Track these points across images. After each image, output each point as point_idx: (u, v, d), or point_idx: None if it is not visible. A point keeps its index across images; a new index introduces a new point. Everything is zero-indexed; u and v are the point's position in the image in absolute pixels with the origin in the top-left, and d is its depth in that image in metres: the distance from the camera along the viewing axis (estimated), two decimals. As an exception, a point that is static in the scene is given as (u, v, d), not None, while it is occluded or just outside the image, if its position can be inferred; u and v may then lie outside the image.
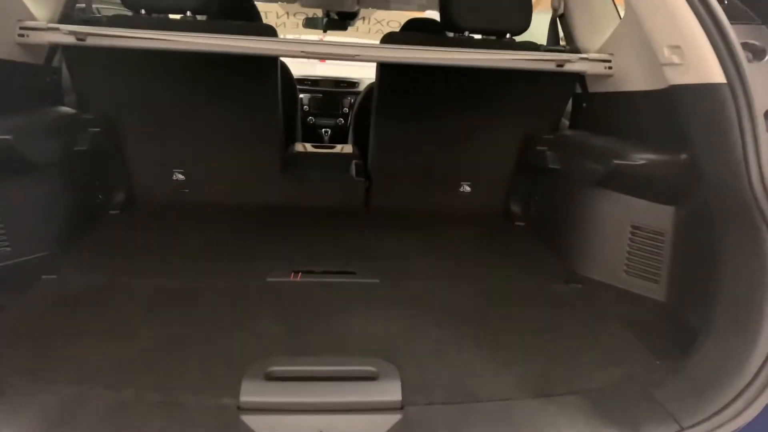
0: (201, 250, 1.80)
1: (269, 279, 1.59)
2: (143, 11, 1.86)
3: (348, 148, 2.72)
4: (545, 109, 2.14)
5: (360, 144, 2.69)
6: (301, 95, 4.00)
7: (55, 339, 1.24)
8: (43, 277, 1.51)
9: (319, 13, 3.79)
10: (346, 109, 4.16)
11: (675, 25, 1.30)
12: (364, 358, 1.18)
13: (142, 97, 2.02)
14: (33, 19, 1.70)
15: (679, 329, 1.39)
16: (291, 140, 2.83)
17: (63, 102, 1.92)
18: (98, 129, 1.89)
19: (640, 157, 1.54)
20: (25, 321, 1.32)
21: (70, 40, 1.66)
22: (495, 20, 1.98)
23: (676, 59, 1.33)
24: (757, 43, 1.24)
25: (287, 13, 4.06)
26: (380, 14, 4.15)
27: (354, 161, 2.41)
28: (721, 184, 1.22)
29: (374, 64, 5.27)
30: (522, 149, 2.20)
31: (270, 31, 1.92)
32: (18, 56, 1.67)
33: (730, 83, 1.17)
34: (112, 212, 2.03)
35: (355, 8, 3.74)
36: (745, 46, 1.23)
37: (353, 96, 4.15)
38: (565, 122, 2.21)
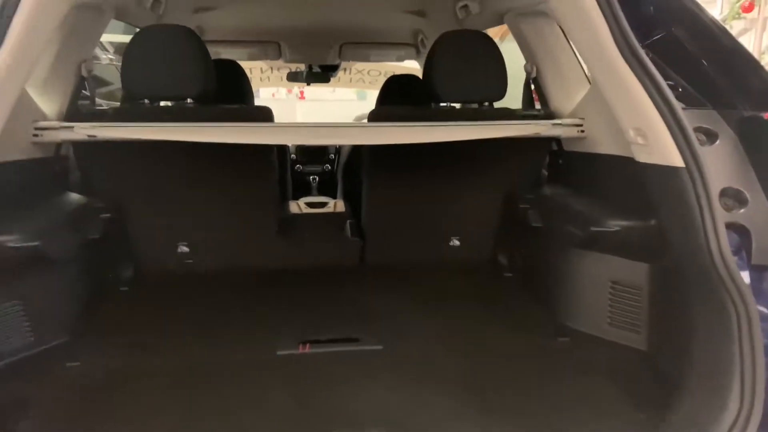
0: (210, 323, 1.90)
1: (279, 352, 1.70)
2: (146, 101, 2.00)
3: (340, 205, 2.85)
4: (525, 166, 2.29)
5: (350, 199, 2.83)
6: (288, 144, 4.13)
7: (80, 428, 1.34)
8: (67, 364, 1.61)
9: (302, 66, 3.95)
10: (332, 155, 4.29)
11: (636, 110, 1.46)
12: (372, 430, 1.29)
13: (145, 178, 2.13)
14: (44, 117, 1.82)
15: (660, 379, 1.53)
16: (284, 196, 2.94)
17: (69, 186, 2.02)
18: (108, 215, 2.01)
19: (614, 224, 1.69)
20: (53, 409, 1.42)
21: (82, 137, 1.78)
22: (475, 91, 2.14)
23: (640, 140, 1.49)
24: (709, 127, 1.40)
25: (270, 69, 4.23)
26: (360, 65, 4.32)
27: (348, 221, 2.54)
28: (686, 253, 1.37)
29: (355, 106, 5.37)
30: (505, 205, 2.34)
31: (266, 114, 2.06)
32: (32, 154, 1.78)
33: (687, 167, 1.32)
34: (122, 288, 2.13)
35: (337, 61, 3.94)
36: (698, 129, 1.40)
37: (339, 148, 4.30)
38: (545, 173, 2.37)
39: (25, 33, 1.37)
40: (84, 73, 2.05)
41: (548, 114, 2.17)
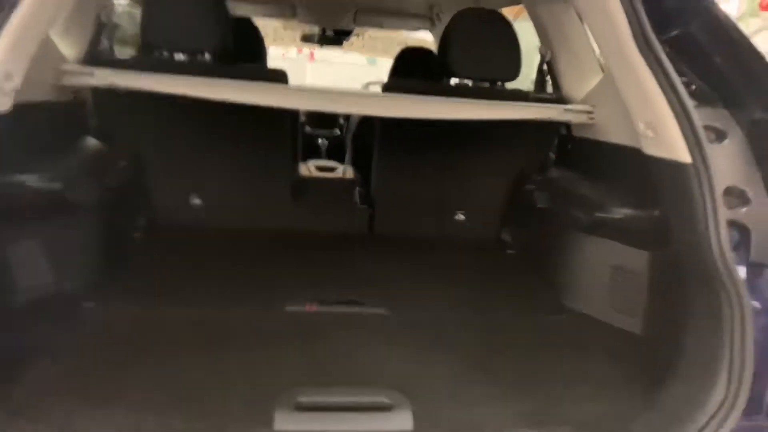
0: (220, 276, 1.97)
1: (288, 308, 1.77)
2: (164, 52, 2.02)
3: (349, 172, 2.89)
4: (534, 148, 2.34)
5: (360, 167, 2.87)
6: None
7: (107, 370, 1.40)
8: (84, 305, 1.67)
9: (316, 29, 3.94)
10: (342, 121, 4.31)
11: (647, 104, 1.50)
12: (379, 389, 1.36)
13: (162, 130, 2.17)
14: (65, 61, 1.84)
15: (652, 362, 1.60)
16: (294, 158, 2.98)
17: (89, 132, 2.05)
18: (125, 163, 2.04)
19: (618, 211, 1.75)
20: (77, 350, 1.48)
21: (102, 82, 1.80)
22: (489, 70, 2.17)
23: (650, 133, 1.54)
24: (719, 126, 1.45)
25: (284, 28, 4.22)
26: (374, 32, 4.31)
27: (357, 188, 2.59)
28: (687, 246, 1.43)
29: (365, 71, 5.35)
30: (513, 184, 2.40)
31: (281, 77, 2.09)
32: (53, 97, 1.80)
33: (694, 164, 1.37)
34: (135, 235, 2.18)
35: (351, 26, 3.93)
36: (708, 128, 1.44)
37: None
38: (553, 156, 2.41)
39: None
40: (104, 19, 2.06)
41: (559, 98, 2.21)
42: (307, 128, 4.11)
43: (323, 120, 4.18)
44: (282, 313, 1.76)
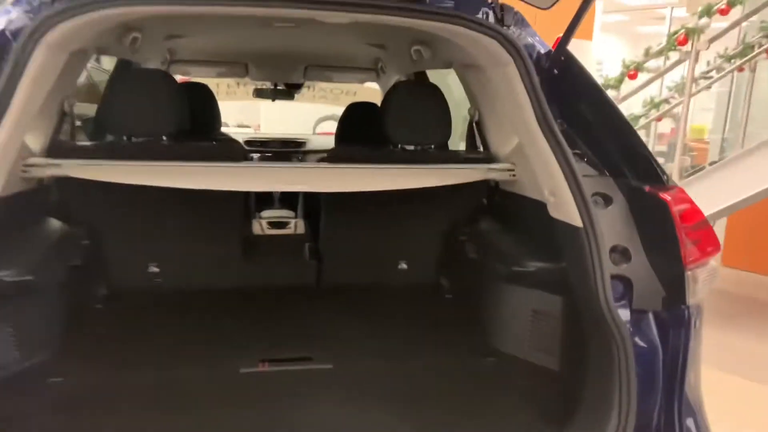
0: (179, 340, 2.13)
1: (241, 370, 1.95)
2: (124, 138, 2.21)
3: (300, 226, 3.09)
4: (465, 201, 2.58)
5: (310, 220, 3.07)
6: (252, 155, 4.32)
7: None
8: (50, 380, 1.82)
9: (268, 84, 4.16)
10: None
11: (549, 174, 1.76)
12: None
13: (120, 205, 2.34)
14: (31, 153, 2.00)
15: (565, 395, 1.83)
16: (248, 213, 3.15)
17: (50, 213, 2.20)
18: (87, 241, 2.21)
19: (533, 264, 1.99)
20: (45, 422, 1.63)
21: (68, 173, 1.97)
22: (421, 137, 2.42)
23: (552, 199, 1.79)
24: (606, 192, 1.71)
25: (237, 84, 4.42)
26: (324, 84, 4.55)
27: (306, 244, 2.79)
28: (583, 295, 1.68)
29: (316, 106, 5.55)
30: (447, 234, 2.63)
31: (234, 149, 2.29)
32: (20, 188, 1.96)
33: (585, 228, 1.62)
34: (97, 306, 2.33)
35: (301, 81, 4.16)
36: (597, 194, 1.70)
37: (301, 155, 4.51)
38: (485, 202, 2.65)
39: (30, 88, 1.57)
40: (66, 108, 2.23)
41: (486, 157, 2.45)
42: None
43: (276, 159, 4.34)
44: (237, 373, 1.93)
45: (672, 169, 5.81)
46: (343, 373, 1.96)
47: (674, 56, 5.39)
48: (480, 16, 1.85)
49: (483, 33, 1.72)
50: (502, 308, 2.17)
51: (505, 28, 1.82)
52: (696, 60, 5.18)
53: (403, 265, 2.72)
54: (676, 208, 1.56)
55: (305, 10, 1.66)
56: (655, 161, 1.66)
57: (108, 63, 4.63)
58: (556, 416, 1.71)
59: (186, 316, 2.32)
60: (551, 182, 1.77)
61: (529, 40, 1.91)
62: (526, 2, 1.87)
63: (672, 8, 10.36)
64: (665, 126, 6.83)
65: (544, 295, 2.02)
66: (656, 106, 5.94)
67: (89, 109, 3.82)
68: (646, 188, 1.63)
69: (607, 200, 1.70)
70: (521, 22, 1.94)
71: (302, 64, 3.82)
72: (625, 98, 5.89)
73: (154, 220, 2.42)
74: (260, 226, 3.04)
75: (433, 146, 2.47)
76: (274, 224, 3.08)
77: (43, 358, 1.89)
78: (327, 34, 2.75)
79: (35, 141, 2.06)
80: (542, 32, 2.04)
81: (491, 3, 1.89)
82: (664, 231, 1.58)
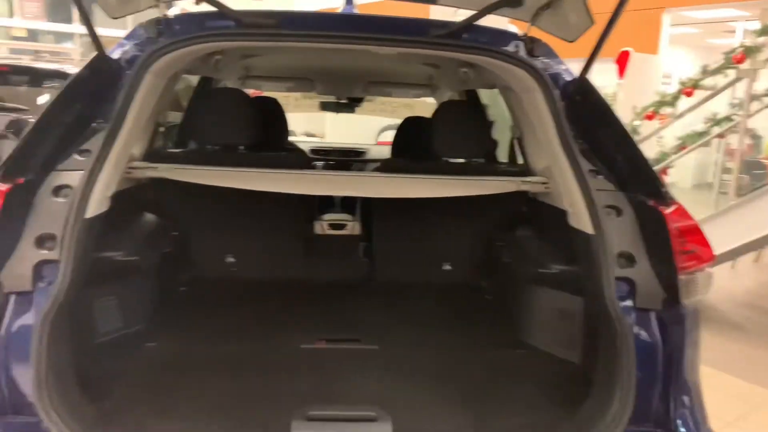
0: (250, 320, 2.50)
1: (301, 345, 2.29)
2: (207, 146, 2.62)
3: (357, 228, 3.42)
4: (503, 209, 2.84)
5: (365, 222, 3.40)
6: (316, 163, 4.70)
7: (165, 391, 1.95)
8: (146, 344, 2.22)
9: (332, 98, 4.54)
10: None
11: (568, 188, 2.01)
12: (368, 406, 1.86)
13: (204, 204, 2.74)
14: (133, 157, 2.42)
15: (582, 384, 2.06)
16: (311, 215, 3.51)
17: (148, 208, 2.63)
18: (176, 233, 2.62)
19: (556, 267, 2.24)
20: (143, 377, 2.02)
21: (162, 175, 2.38)
22: (465, 151, 2.70)
23: (570, 210, 2.04)
24: (618, 205, 1.94)
25: (304, 97, 4.83)
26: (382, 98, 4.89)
27: (361, 243, 3.13)
28: (594, 294, 1.91)
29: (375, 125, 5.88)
30: (487, 240, 2.90)
31: (299, 159, 2.64)
32: (125, 186, 2.38)
33: (596, 235, 1.86)
34: (182, 289, 2.74)
35: (362, 95, 4.51)
36: (610, 206, 1.94)
37: (360, 164, 4.87)
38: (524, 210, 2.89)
39: (140, 107, 1.97)
40: (160, 120, 2.66)
41: (523, 170, 2.70)
42: None
43: (338, 167, 4.70)
44: (298, 348, 2.28)
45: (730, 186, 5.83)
46: (387, 354, 2.27)
47: (732, 73, 5.42)
48: (511, 48, 2.13)
49: (512, 64, 1.99)
50: (530, 307, 2.42)
51: (533, 59, 2.09)
52: (755, 78, 5.19)
53: (447, 267, 3.00)
54: (673, 222, 1.78)
55: (359, 45, 1.99)
56: (659, 179, 1.88)
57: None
58: (573, 399, 1.95)
59: (256, 301, 2.70)
60: (570, 195, 2.02)
61: (556, 69, 2.17)
62: (554, 35, 2.13)
63: (742, 21, 10.16)
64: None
65: (567, 296, 2.26)
66: (718, 123, 5.96)
67: (171, 116, 4.33)
68: (650, 202, 1.85)
69: (619, 212, 1.93)
70: (550, 53, 2.20)
71: (363, 81, 4.16)
72: (681, 116, 5.94)
73: (232, 218, 2.82)
74: (321, 226, 3.40)
75: (476, 159, 2.75)
76: (333, 225, 3.43)
77: (140, 327, 2.30)
78: (384, 57, 3.08)
79: (137, 148, 2.49)
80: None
81: (522, 37, 2.16)
82: (662, 240, 1.80)
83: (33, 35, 17.70)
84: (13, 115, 5.30)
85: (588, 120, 2.07)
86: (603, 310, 1.83)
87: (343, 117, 5.68)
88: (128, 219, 2.38)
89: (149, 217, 2.56)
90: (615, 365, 1.79)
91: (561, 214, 2.26)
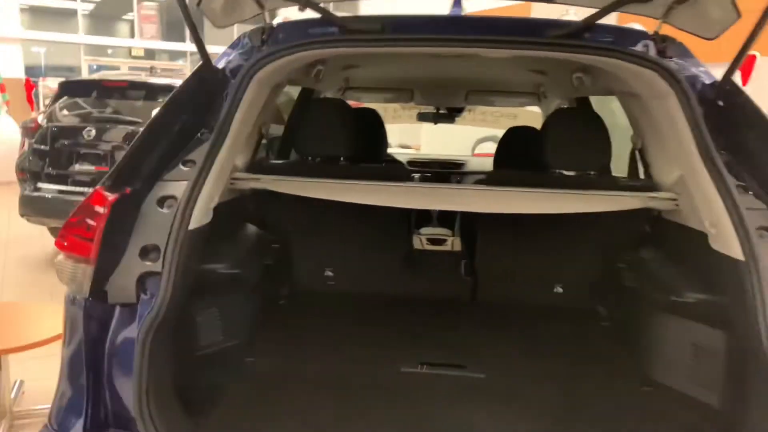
0: (347, 337, 2.41)
1: (402, 370, 2.16)
2: (309, 158, 2.57)
3: (457, 244, 3.26)
4: (625, 227, 2.57)
5: (466, 238, 3.23)
6: (413, 174, 4.58)
7: (265, 408, 1.89)
8: (246, 359, 2.17)
9: (431, 108, 4.42)
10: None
11: (709, 205, 1.75)
12: None
13: (304, 217, 2.69)
14: (236, 168, 2.40)
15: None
16: (409, 230, 3.39)
17: (250, 220, 2.61)
18: (277, 245, 2.58)
19: (692, 296, 1.96)
20: (244, 393, 1.97)
21: (265, 186, 2.34)
22: (582, 163, 2.46)
23: (713, 231, 1.78)
24: (771, 225, 1.66)
25: (403, 108, 4.75)
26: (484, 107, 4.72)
27: (463, 261, 2.96)
28: (744, 332, 1.64)
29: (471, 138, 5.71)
30: (606, 261, 2.64)
31: (397, 171, 2.53)
32: (228, 197, 2.36)
33: (747, 261, 1.60)
34: (281, 302, 2.70)
35: (462, 105, 4.36)
36: (762, 228, 1.66)
37: (459, 176, 4.71)
38: (648, 229, 2.60)
39: (243, 117, 1.93)
40: (263, 131, 2.64)
41: (648, 185, 2.43)
42: None
43: (436, 179, 4.56)
44: (398, 372, 2.15)
45: None
46: (494, 384, 2.09)
47: None
48: (640, 48, 1.90)
49: (642, 66, 1.77)
50: (660, 339, 2.15)
51: (666, 59, 1.85)
52: None
53: (559, 289, 2.77)
54: None
55: (471, 48, 1.84)
56: None
57: (288, 87, 5.26)
58: None
59: (354, 317, 2.61)
60: (712, 214, 1.76)
61: (693, 71, 1.91)
62: (689, 33, 1.88)
63: None
64: None
65: (705, 329, 1.97)
66: None
67: (274, 129, 4.38)
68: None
69: None
70: (685, 53, 1.95)
71: (464, 90, 4.01)
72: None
73: (331, 231, 2.76)
74: (420, 241, 3.27)
75: (592, 172, 2.52)
76: (432, 240, 3.29)
77: (240, 341, 2.26)
78: (489, 63, 2.92)
79: (240, 159, 2.47)
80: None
81: (652, 35, 1.93)
82: None
83: (150, 54, 19.11)
84: (130, 128, 5.60)
85: (733, 128, 1.80)
86: (757, 349, 1.56)
87: (439, 128, 5.56)
88: (231, 231, 2.37)
89: (251, 229, 2.54)
90: None
91: (697, 236, 1.99)
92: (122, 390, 1.65)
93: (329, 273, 2.82)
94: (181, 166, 1.83)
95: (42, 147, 5.89)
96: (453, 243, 3.29)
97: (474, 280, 2.84)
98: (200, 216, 1.77)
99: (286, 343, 2.34)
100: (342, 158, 2.59)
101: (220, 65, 2.06)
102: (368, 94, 4.10)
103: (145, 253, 1.69)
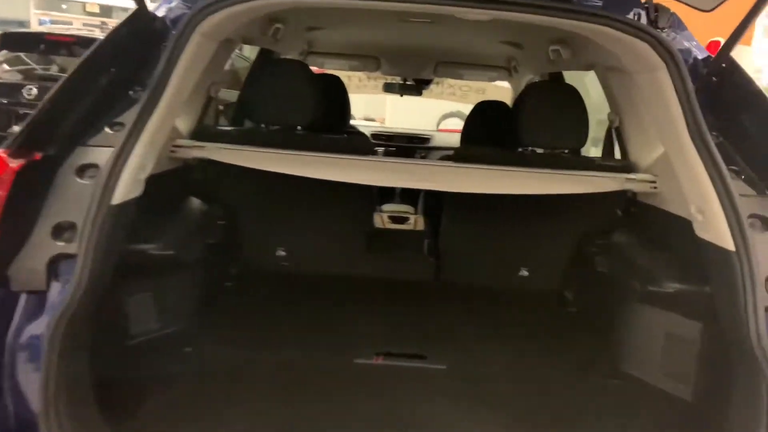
0: (299, 323, 2.20)
1: (356, 361, 1.97)
2: (263, 125, 2.32)
3: (420, 222, 3.08)
4: (598, 210, 2.42)
5: (430, 216, 3.05)
6: (377, 148, 4.36)
7: (203, 405, 1.69)
8: (184, 349, 1.95)
9: (398, 79, 4.19)
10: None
11: (697, 189, 1.60)
12: None
13: (254, 190, 2.45)
14: (179, 134, 2.15)
15: (699, 428, 1.67)
16: (370, 206, 3.18)
17: (194, 193, 2.36)
18: (223, 222, 2.34)
19: (672, 285, 1.83)
20: (180, 387, 1.76)
21: (211, 156, 2.10)
22: (557, 141, 2.30)
23: (699, 217, 1.63)
24: (765, 215, 1.52)
25: (368, 78, 4.50)
26: (452, 80, 4.51)
27: (426, 240, 2.78)
28: (729, 324, 1.51)
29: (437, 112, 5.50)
30: (576, 244, 2.49)
31: (362, 143, 2.31)
32: (168, 166, 2.11)
33: (737, 251, 1.46)
34: (227, 284, 2.47)
35: (431, 77, 4.15)
36: (755, 216, 1.52)
37: (425, 151, 4.51)
38: (619, 213, 2.47)
39: (184, 73, 1.68)
40: (212, 94, 2.38)
41: (625, 166, 2.28)
42: None
43: (400, 154, 4.35)
44: (351, 363, 1.96)
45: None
46: (456, 376, 1.93)
47: None
48: (631, 17, 1.72)
49: (633, 35, 1.60)
50: (632, 328, 2.03)
51: (658, 30, 1.68)
52: None
53: (525, 272, 2.62)
54: None
55: (446, 6, 1.63)
56: None
57: (249, 51, 4.93)
58: None
59: (308, 301, 2.40)
60: (700, 199, 1.61)
61: (686, 44, 1.76)
62: (685, 3, 1.71)
63: None
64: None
65: (681, 319, 1.86)
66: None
67: (231, 96, 4.08)
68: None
69: (766, 223, 1.52)
70: (678, 24, 1.79)
71: (433, 61, 3.81)
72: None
73: (285, 207, 2.52)
74: (381, 219, 3.07)
75: (566, 151, 2.35)
76: (394, 219, 3.09)
77: (178, 328, 2.03)
78: (461, 31, 2.71)
79: (183, 124, 2.21)
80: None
81: (645, 3, 1.75)
82: None
83: (106, 11, 18.13)
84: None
85: (728, 108, 1.65)
86: (743, 346, 1.43)
87: (404, 101, 5.35)
88: (169, 205, 2.12)
89: (194, 203, 2.29)
90: (757, 417, 1.40)
91: (679, 221, 1.86)
92: (28, 392, 1.41)
93: (282, 252, 2.60)
94: (107, 129, 1.58)
95: (-24, 104, 5.46)
96: (416, 221, 3.11)
97: (437, 260, 2.67)
98: (127, 188, 1.53)
99: (230, 331, 2.12)
100: (299, 127, 2.35)
101: (160, 13, 1.80)
102: (332, 60, 3.83)
103: (59, 231, 1.44)
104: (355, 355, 2.00)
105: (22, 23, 16.78)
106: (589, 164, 2.34)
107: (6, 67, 5.96)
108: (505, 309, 2.46)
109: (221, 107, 4.10)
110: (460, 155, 2.33)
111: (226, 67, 4.18)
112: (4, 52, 5.85)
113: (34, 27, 16.23)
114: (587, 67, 2.59)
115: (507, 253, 2.63)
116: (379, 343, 2.07)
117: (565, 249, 2.54)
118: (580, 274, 2.48)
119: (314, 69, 3.92)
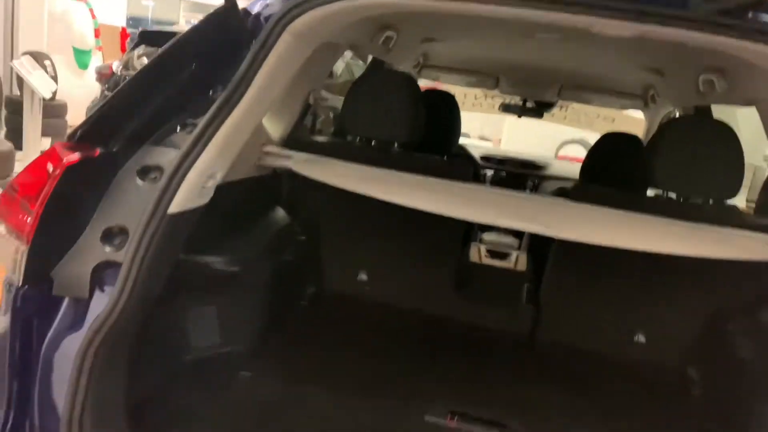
0: (373, 360, 1.98)
1: (427, 418, 1.71)
2: (358, 139, 2.13)
3: (522, 261, 2.75)
4: (740, 280, 1.99)
5: (535, 255, 2.71)
6: (484, 171, 4.05)
7: None
8: (241, 373, 1.78)
9: (517, 99, 3.87)
10: (530, 183, 4.12)
11: None
12: None
13: (341, 207, 2.26)
14: (270, 140, 2.00)
15: None
16: (468, 235, 2.89)
17: (280, 203, 2.22)
18: (305, 237, 2.17)
19: None
20: (229, 415, 1.60)
21: (297, 168, 1.93)
22: (700, 187, 1.90)
23: None
24: None
25: (485, 96, 4.22)
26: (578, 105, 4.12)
27: (526, 284, 2.44)
28: None
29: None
30: (708, 316, 2.06)
31: (463, 169, 2.05)
32: (254, 173, 1.97)
33: None
34: (302, 303, 2.29)
35: (554, 99, 3.80)
36: None
37: (538, 179, 4.13)
38: None
39: (270, 76, 1.51)
40: (311, 101, 2.22)
41: None
42: None
43: (510, 181, 4.02)
44: (421, 420, 1.70)
45: None
46: None
47: None
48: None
49: None
50: None
51: None
52: None
53: (641, 338, 2.21)
54: None
55: (584, 17, 1.33)
56: None
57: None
58: None
59: (385, 334, 2.17)
60: None
61: None
62: None
63: None
64: None
65: None
66: None
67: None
68: None
69: None
70: None
71: (558, 82, 3.48)
72: None
73: (371, 227, 2.31)
74: (478, 253, 2.78)
75: (711, 201, 1.94)
76: (493, 253, 2.78)
77: (239, 348, 1.87)
78: (595, 51, 2.37)
79: (275, 129, 2.07)
80: None
81: None
82: None
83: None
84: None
85: None
86: None
87: (523, 122, 5.00)
88: (254, 211, 1.98)
89: (278, 213, 2.15)
90: None
91: None
92: (59, 406, 1.28)
93: (363, 277, 2.38)
94: (179, 130, 1.44)
95: (112, 94, 5.81)
96: (517, 259, 2.77)
97: (536, 310, 2.32)
98: (189, 196, 1.37)
99: (294, 359, 1.93)
100: (396, 144, 2.14)
101: (255, 9, 1.65)
102: (447, 74, 3.61)
103: (110, 236, 1.31)
104: (426, 410, 1.74)
105: (172, 24, 18.31)
106: (739, 220, 1.91)
107: (145, 60, 6.33)
108: (612, 381, 2.07)
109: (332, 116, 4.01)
110: (577, 193, 1.99)
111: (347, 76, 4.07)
112: (143, 46, 6.19)
113: (181, 27, 17.63)
114: (746, 102, 2.15)
115: (622, 312, 2.23)
116: (456, 400, 1.78)
117: (696, 318, 2.10)
118: (712, 352, 2.04)
119: (427, 84, 3.74)
